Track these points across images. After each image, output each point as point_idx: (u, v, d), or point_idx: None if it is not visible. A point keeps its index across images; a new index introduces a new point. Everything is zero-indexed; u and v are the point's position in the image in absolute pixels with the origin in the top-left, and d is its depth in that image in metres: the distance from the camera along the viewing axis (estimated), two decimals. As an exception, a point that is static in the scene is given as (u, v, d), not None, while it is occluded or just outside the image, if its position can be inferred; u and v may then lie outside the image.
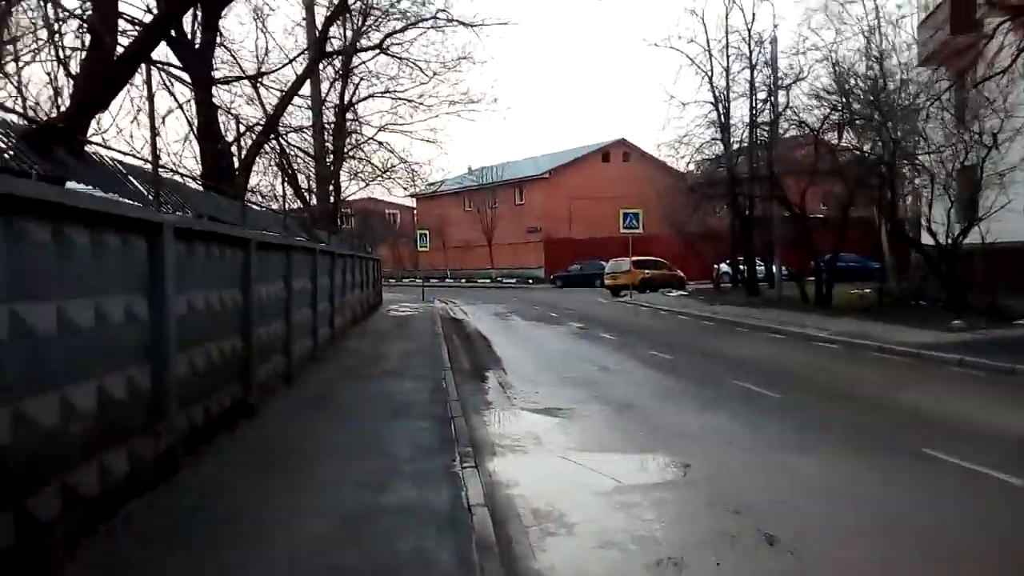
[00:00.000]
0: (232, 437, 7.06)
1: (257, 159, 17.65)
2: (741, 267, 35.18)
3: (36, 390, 3.90)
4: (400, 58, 19.23)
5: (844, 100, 20.41)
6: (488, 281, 56.33)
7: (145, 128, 6.70)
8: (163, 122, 10.02)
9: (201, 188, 9.14)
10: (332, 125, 21.30)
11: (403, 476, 5.89)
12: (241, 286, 7.97)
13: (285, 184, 11.70)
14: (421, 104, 22.66)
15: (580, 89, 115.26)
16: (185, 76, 11.35)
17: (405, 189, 23.58)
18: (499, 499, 5.71)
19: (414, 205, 71.56)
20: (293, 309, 10.58)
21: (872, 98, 19.66)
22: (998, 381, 10.45)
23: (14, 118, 4.57)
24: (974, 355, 11.71)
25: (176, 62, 11.33)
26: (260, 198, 15.62)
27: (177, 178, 8.38)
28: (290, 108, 18.48)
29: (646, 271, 37.68)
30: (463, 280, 59.44)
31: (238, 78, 13.27)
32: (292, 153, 20.01)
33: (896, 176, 18.29)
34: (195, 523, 4.87)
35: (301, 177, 22.09)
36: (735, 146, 30.49)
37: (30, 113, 5.17)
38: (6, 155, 4.31)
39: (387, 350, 14.44)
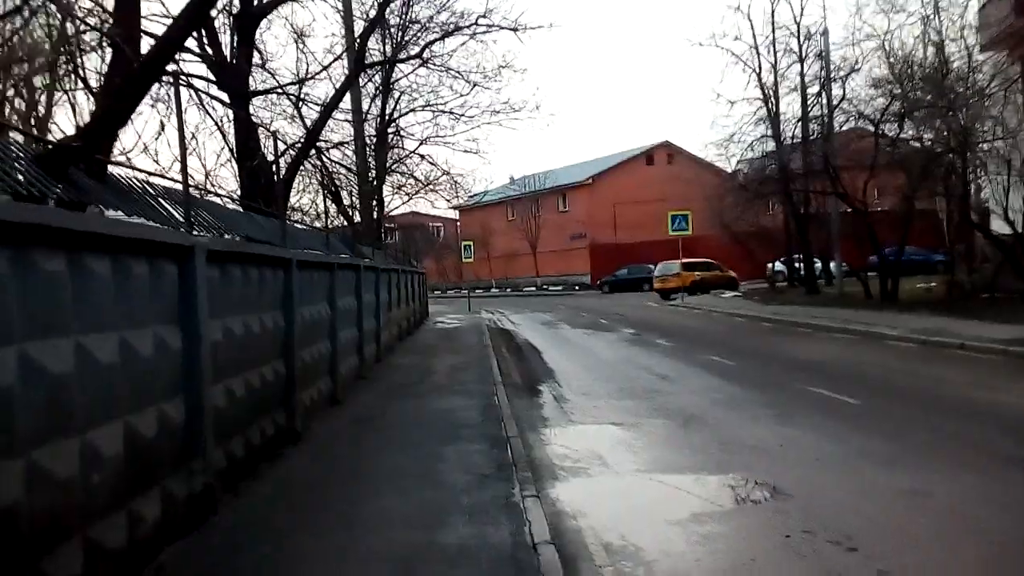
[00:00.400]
0: (275, 469, 6.66)
1: (299, 177, 17.54)
2: (796, 265, 34.03)
3: (52, 437, 3.51)
4: (440, 68, 18.86)
5: (903, 88, 19.42)
6: (534, 289, 55.82)
7: (176, 147, 6.37)
8: (195, 139, 9.77)
9: (240, 208, 8.86)
10: (374, 140, 21.11)
11: (459, 509, 5.40)
12: (283, 308, 7.61)
13: (327, 201, 11.38)
14: (462, 116, 22.38)
15: (622, 93, 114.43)
16: (222, 96, 11.15)
17: (448, 201, 23.36)
18: (566, 532, 5.17)
19: (457, 217, 71.75)
20: (338, 328, 10.21)
21: (935, 85, 18.65)
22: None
23: (19, 137, 4.22)
24: (1070, 349, 10.76)
25: (211, 78, 11.12)
26: (302, 216, 15.45)
27: (214, 199, 8.09)
28: (331, 124, 18.33)
29: (697, 273, 36.70)
30: (508, 289, 59.05)
31: (272, 90, 13.00)
32: (334, 170, 19.90)
33: (967, 164, 17.18)
34: (231, 574, 4.45)
35: (344, 194, 21.99)
36: (787, 142, 29.47)
37: (47, 135, 4.84)
38: (18, 177, 3.96)
39: (435, 365, 14.02)
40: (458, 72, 18.94)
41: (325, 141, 16.57)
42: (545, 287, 55.65)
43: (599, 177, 57.24)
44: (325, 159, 18.23)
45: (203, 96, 10.70)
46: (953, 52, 21.21)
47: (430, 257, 65.62)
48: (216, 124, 10.38)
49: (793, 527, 5.02)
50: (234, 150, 10.30)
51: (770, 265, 41.17)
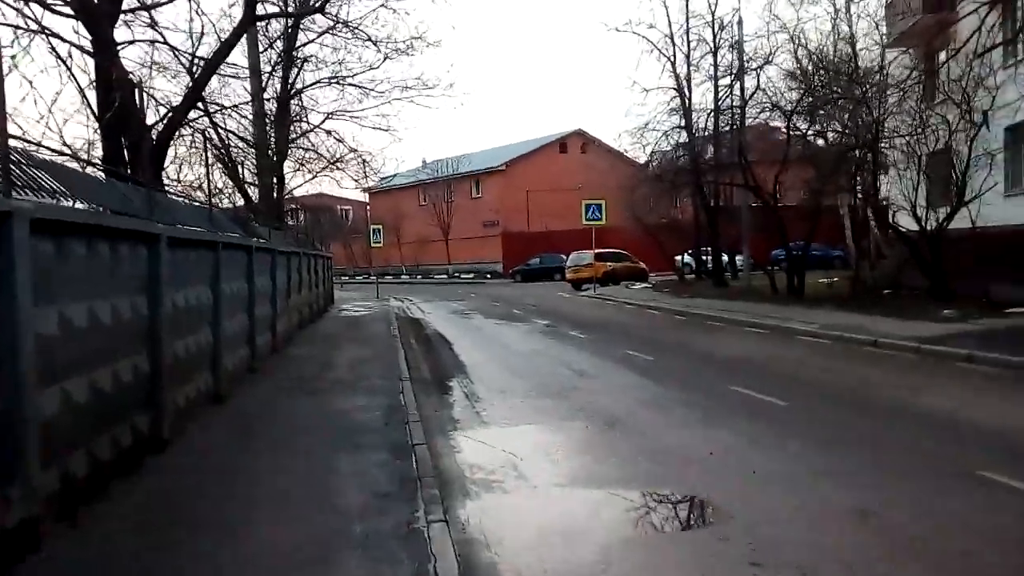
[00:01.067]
0: (130, 487, 5.54)
1: (190, 148, 15.96)
2: (704, 258, 34.38)
3: None
4: (347, 31, 17.46)
5: (813, 81, 19.52)
6: (445, 277, 54.78)
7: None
8: (32, 86, 8.28)
9: (101, 175, 7.55)
10: (274, 111, 19.58)
11: (352, 541, 4.48)
12: (147, 292, 6.43)
13: (217, 173, 10.06)
14: (372, 90, 21.10)
15: (538, 77, 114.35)
16: (81, 43, 9.56)
17: (356, 181, 22.02)
18: (478, 569, 4.34)
19: (367, 200, 69.73)
20: (224, 316, 9.02)
21: (846, 79, 18.79)
22: (1020, 379, 9.45)
23: None
24: (983, 349, 10.73)
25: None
26: (190, 190, 13.97)
27: (67, 161, 6.79)
28: (227, 91, 16.81)
29: (609, 264, 36.56)
30: (419, 276, 57.80)
31: (151, 42, 11.39)
32: (230, 142, 18.36)
33: (877, 159, 17.35)
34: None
35: (243, 170, 20.40)
36: (699, 134, 29.56)
37: None
38: None
39: (337, 357, 12.92)
40: (368, 38, 17.61)
41: (216, 104, 15.02)
42: (457, 275, 54.69)
43: (513, 163, 56.61)
44: (220, 130, 16.73)
45: (57, 40, 9.21)
46: (862, 47, 21.61)
47: (338, 241, 63.55)
48: (71, 75, 8.87)
49: (738, 558, 4.36)
50: (94, 106, 8.86)
51: (678, 258, 41.62)
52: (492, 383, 10.72)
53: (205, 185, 17.23)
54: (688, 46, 29.30)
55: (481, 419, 8.37)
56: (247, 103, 17.06)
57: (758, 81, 21.57)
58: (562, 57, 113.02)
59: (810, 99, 18.34)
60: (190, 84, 11.39)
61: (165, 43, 11.10)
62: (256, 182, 20.19)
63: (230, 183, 20.28)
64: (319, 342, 15.54)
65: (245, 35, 18.87)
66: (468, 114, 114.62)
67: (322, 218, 48.95)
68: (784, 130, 22.23)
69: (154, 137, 9.73)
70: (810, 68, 18.85)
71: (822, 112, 18.39)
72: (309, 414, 8.16)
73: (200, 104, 12.42)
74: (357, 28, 17.65)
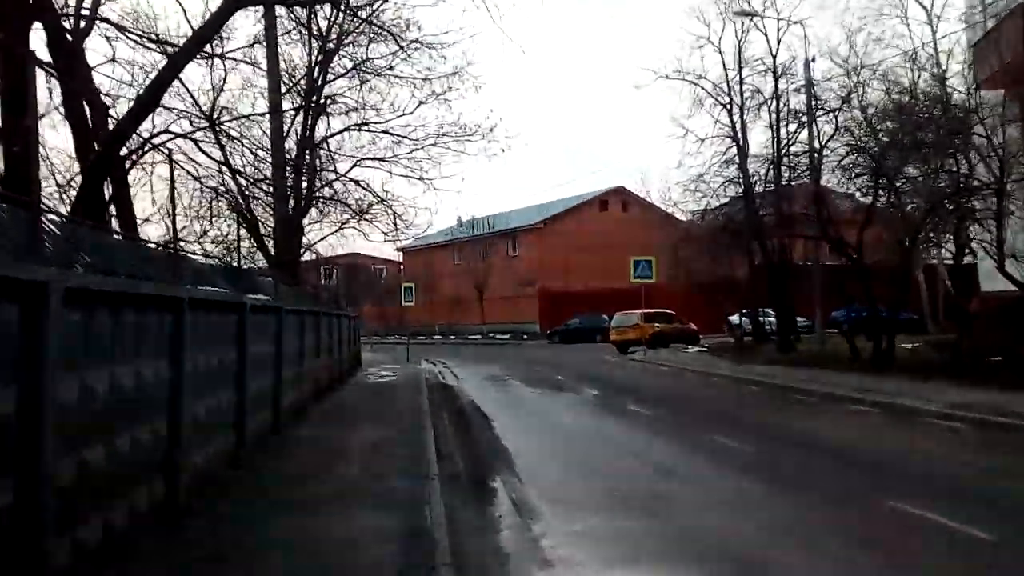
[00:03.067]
0: None
1: (197, 196, 14.03)
2: (761, 319, 31.48)
3: None
4: (375, 70, 15.58)
5: (905, 121, 17.01)
6: (479, 337, 52.33)
7: None
8: None
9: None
10: (292, 157, 17.63)
11: None
12: (25, 373, 4.04)
13: (176, 199, 7.66)
14: (405, 138, 19.11)
15: (577, 133, 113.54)
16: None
17: (386, 235, 19.83)
18: None
19: (400, 259, 68.25)
20: (184, 397, 6.60)
21: (944, 117, 16.28)
22: None
23: None
24: None
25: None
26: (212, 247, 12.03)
27: None
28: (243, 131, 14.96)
29: (657, 325, 33.70)
30: (452, 337, 55.44)
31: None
32: (244, 188, 16.41)
33: (1001, 203, 14.56)
34: None
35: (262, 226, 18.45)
36: (758, 183, 27.13)
37: None
38: None
39: (351, 441, 10.42)
40: (400, 77, 15.69)
41: (225, 133, 13.04)
42: (492, 335, 52.25)
43: (551, 221, 54.65)
44: (229, 170, 14.76)
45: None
46: (950, 89, 19.12)
47: (371, 300, 61.80)
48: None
49: None
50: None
51: (731, 318, 38.62)
52: (546, 484, 8.12)
53: (227, 243, 15.37)
54: (741, 95, 27.12)
55: (543, 555, 5.71)
56: (260, 114, 15.12)
57: (836, 123, 19.11)
58: (603, 111, 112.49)
59: (909, 136, 15.73)
60: (161, 69, 9.15)
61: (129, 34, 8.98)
62: (271, 234, 18.19)
63: (247, 233, 18.33)
64: (334, 418, 13.09)
65: (266, 76, 17.22)
66: (504, 170, 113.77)
67: (354, 277, 47.20)
68: (855, 188, 19.59)
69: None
70: (906, 100, 16.35)
71: (925, 149, 15.73)
72: (291, 551, 5.58)
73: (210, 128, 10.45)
74: (389, 68, 15.88)
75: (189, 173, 13.30)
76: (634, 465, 9.02)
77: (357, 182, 19.31)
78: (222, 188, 15.94)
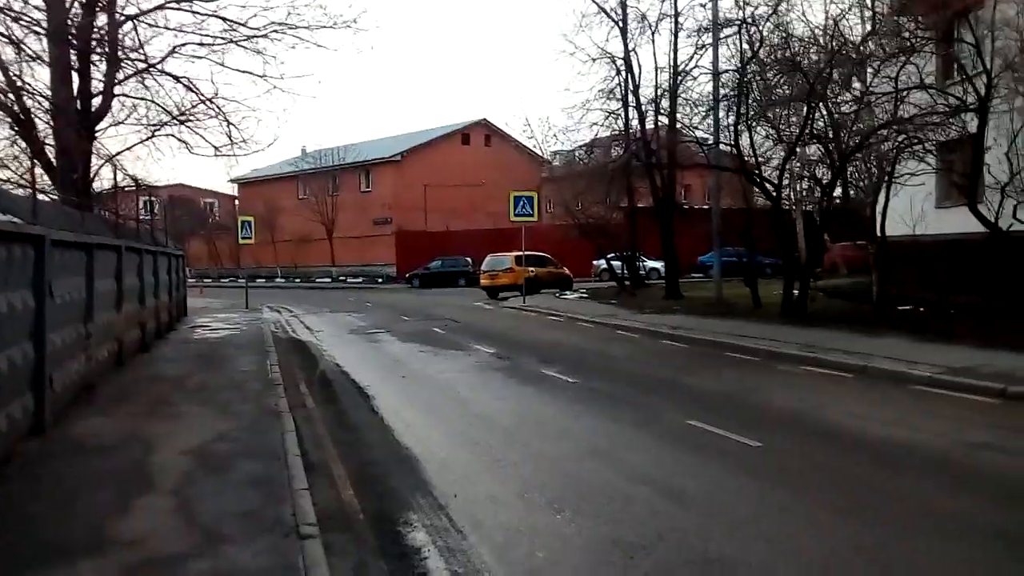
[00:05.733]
0: None
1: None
2: (637, 264, 29.53)
3: None
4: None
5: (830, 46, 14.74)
6: (329, 280, 47.63)
7: None
8: None
9: None
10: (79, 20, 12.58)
11: None
12: None
13: None
14: (242, 25, 14.39)
15: (438, 63, 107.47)
16: None
17: (217, 149, 15.22)
18: None
19: (235, 192, 61.26)
20: None
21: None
22: None
23: None
24: None
25: None
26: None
27: None
28: None
29: (531, 269, 30.87)
30: (297, 280, 50.28)
31: None
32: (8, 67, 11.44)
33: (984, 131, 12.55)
34: None
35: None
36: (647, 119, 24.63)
37: None
38: None
39: (161, 447, 6.57)
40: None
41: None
42: (343, 278, 47.71)
43: (409, 154, 50.26)
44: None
45: None
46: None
47: (200, 237, 54.96)
48: None
49: None
50: None
51: (598, 262, 36.59)
52: (501, 531, 4.83)
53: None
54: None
55: None
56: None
57: (761, 36, 16.50)
58: (465, 40, 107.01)
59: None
60: None
61: None
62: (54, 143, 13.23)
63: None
64: (140, 399, 8.98)
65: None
66: (359, 102, 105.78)
67: (179, 207, 40.71)
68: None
69: None
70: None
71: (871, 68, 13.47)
72: None
73: None
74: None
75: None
76: (614, 480, 5.90)
77: (177, 78, 14.50)
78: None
